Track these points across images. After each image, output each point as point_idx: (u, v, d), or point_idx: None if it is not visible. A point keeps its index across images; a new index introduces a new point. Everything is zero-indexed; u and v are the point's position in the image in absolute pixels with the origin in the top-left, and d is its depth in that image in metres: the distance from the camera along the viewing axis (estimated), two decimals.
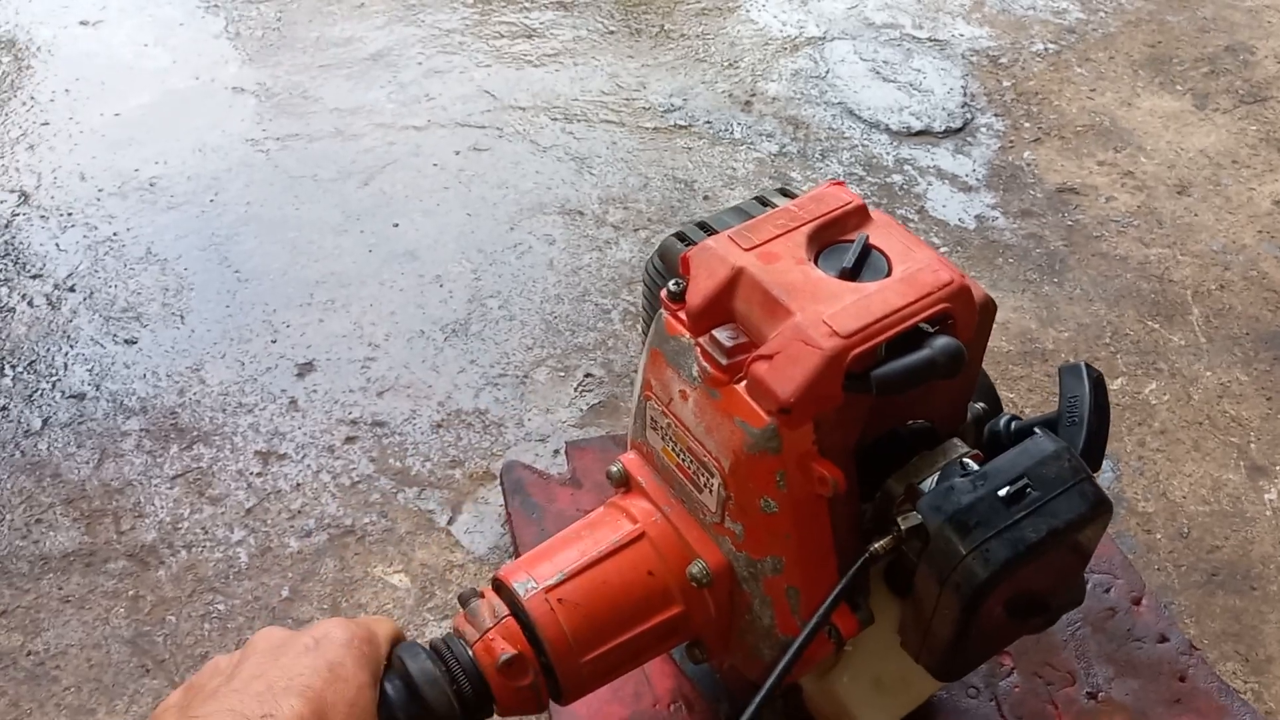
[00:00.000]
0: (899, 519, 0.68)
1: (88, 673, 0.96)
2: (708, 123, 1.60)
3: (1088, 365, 0.79)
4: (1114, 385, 1.25)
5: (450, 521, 1.10)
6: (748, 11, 1.82)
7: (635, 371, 1.24)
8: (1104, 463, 1.16)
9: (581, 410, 1.21)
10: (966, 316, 0.70)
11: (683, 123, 1.60)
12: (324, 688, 0.60)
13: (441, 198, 1.46)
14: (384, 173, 1.50)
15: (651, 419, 0.77)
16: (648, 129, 1.59)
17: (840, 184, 0.75)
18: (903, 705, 0.83)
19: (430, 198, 1.46)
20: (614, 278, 1.36)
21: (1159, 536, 1.10)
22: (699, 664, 0.84)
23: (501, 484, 1.11)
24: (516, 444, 1.17)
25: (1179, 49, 1.77)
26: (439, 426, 1.18)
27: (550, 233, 1.42)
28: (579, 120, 1.60)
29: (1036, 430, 0.72)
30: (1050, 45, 1.77)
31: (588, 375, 1.25)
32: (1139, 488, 1.15)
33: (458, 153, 1.53)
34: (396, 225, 1.42)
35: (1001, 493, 0.66)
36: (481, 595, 0.76)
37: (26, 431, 1.15)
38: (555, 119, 1.60)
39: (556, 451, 1.16)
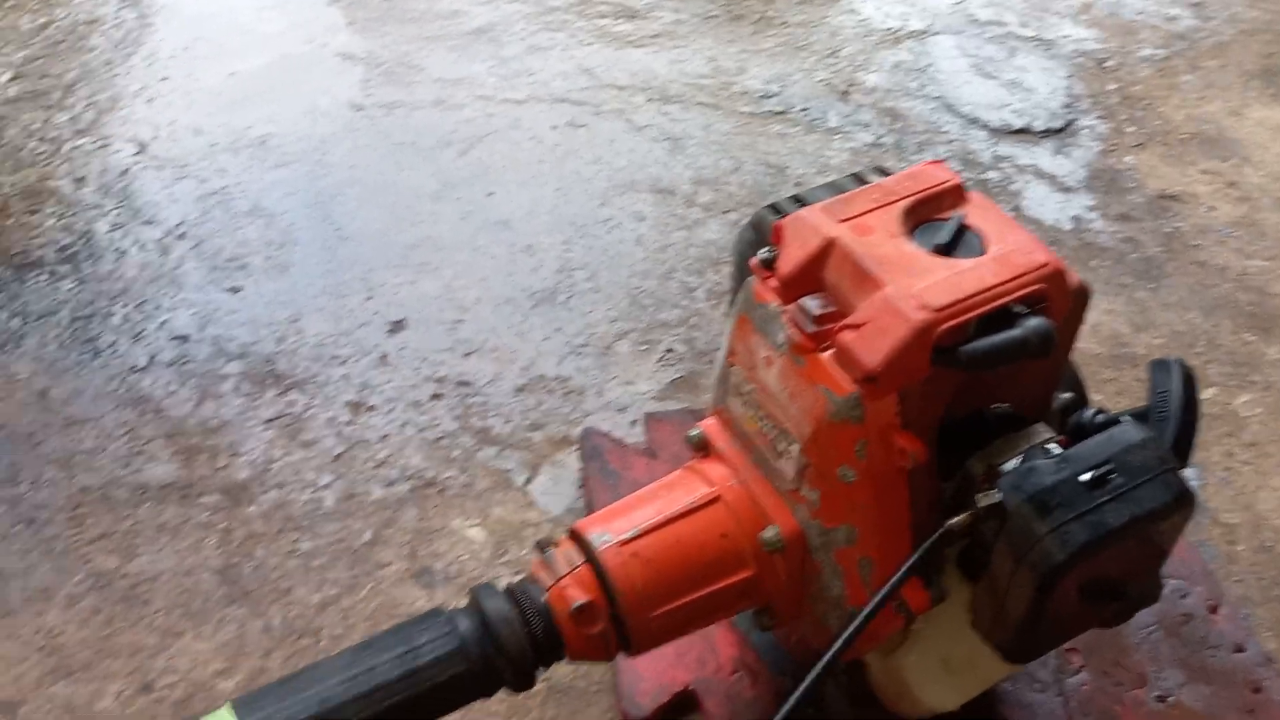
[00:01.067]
0: (978, 497, 0.68)
1: (177, 598, 1.01)
2: (804, 110, 1.60)
3: (1179, 361, 0.78)
4: (1205, 395, 1.22)
5: (528, 482, 1.12)
6: (850, 2, 1.82)
7: (717, 350, 1.25)
8: (1189, 471, 1.14)
9: (661, 384, 1.22)
10: (1060, 300, 0.70)
11: (779, 109, 1.60)
12: None
13: (536, 170, 1.49)
14: (482, 143, 1.53)
15: (734, 385, 0.78)
16: (743, 113, 1.59)
17: (939, 163, 0.76)
18: (968, 688, 0.83)
19: (525, 170, 1.49)
20: (701, 257, 1.37)
21: (1241, 548, 1.08)
22: (766, 631, 0.85)
23: (580, 449, 1.13)
24: (596, 412, 1.19)
25: None
26: (521, 390, 1.21)
27: (640, 210, 1.44)
28: (675, 101, 1.61)
29: (1124, 419, 0.71)
30: (1159, 50, 1.74)
31: (669, 350, 1.26)
32: (1224, 498, 1.12)
33: (554, 128, 1.56)
34: (491, 194, 1.45)
35: (1084, 477, 0.66)
36: (558, 544, 0.78)
37: (132, 368, 1.20)
38: (652, 99, 1.61)
39: (634, 422, 1.18)
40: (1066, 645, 0.96)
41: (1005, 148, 1.55)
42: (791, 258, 0.72)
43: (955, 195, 0.74)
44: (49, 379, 1.19)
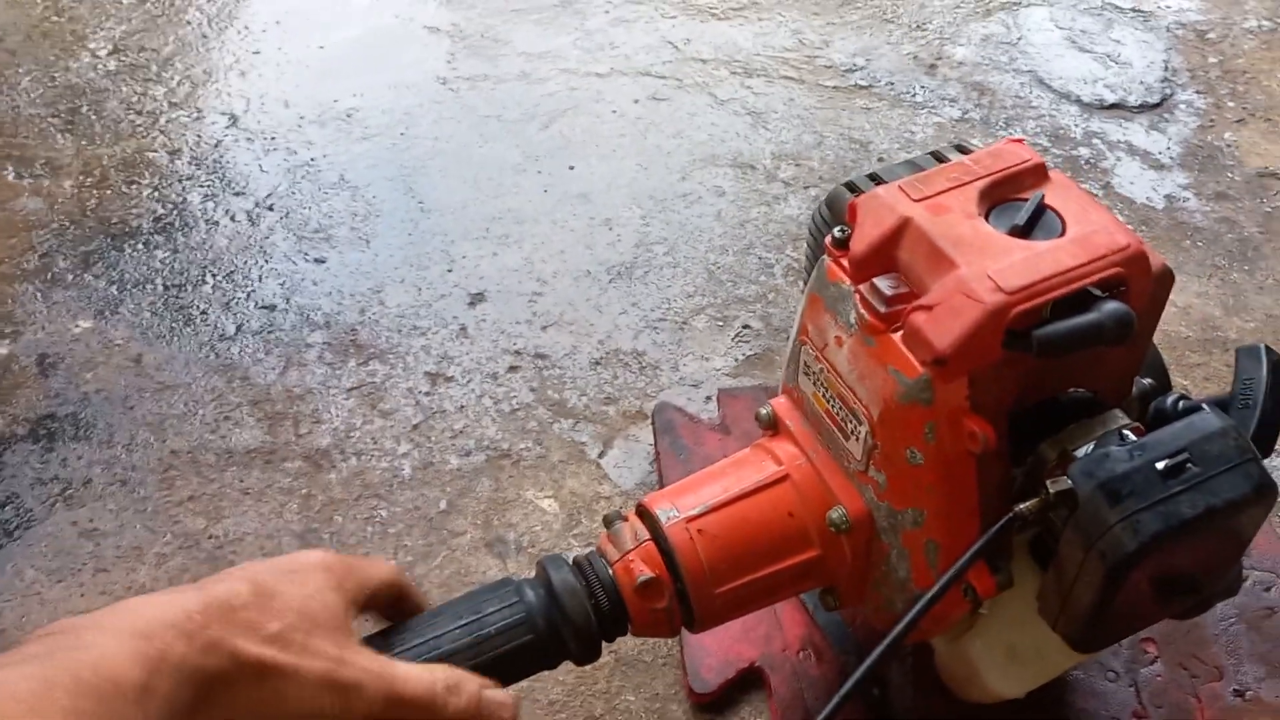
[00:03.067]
0: (1049, 483, 0.67)
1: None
2: (889, 84, 1.58)
3: (1268, 348, 0.75)
4: None
5: (601, 455, 1.13)
6: None
7: (793, 326, 1.25)
8: (1277, 460, 1.10)
9: (737, 360, 1.22)
10: (1141, 283, 0.68)
11: (864, 83, 1.58)
12: (272, 579, 0.60)
13: (618, 144, 1.49)
14: (565, 117, 1.53)
15: (805, 364, 0.78)
16: (827, 87, 1.57)
17: (1019, 141, 0.74)
18: (1035, 677, 0.82)
19: (607, 143, 1.49)
20: (780, 233, 1.36)
21: None
22: (831, 611, 0.85)
23: (653, 423, 1.14)
24: (670, 387, 1.20)
25: None
26: (597, 364, 1.22)
27: (720, 184, 1.43)
28: (759, 75, 1.60)
29: (1204, 407, 0.69)
30: (1265, 21, 1.67)
31: (746, 326, 1.26)
32: None
33: (637, 101, 1.56)
34: (572, 168, 1.46)
35: (1159, 465, 0.65)
36: (625, 519, 0.79)
37: (221, 336, 1.24)
38: (735, 73, 1.60)
39: (708, 398, 1.18)
40: (1141, 635, 0.95)
41: (1097, 123, 1.51)
42: (865, 237, 0.71)
43: (1036, 174, 0.73)
44: (144, 345, 1.23)
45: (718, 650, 0.95)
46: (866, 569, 0.79)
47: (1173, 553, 0.65)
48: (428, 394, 1.19)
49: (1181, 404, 0.77)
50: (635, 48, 1.65)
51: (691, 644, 0.95)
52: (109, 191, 1.41)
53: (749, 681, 0.95)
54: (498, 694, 0.67)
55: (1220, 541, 0.69)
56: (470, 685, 0.65)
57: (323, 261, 1.33)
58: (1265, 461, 0.68)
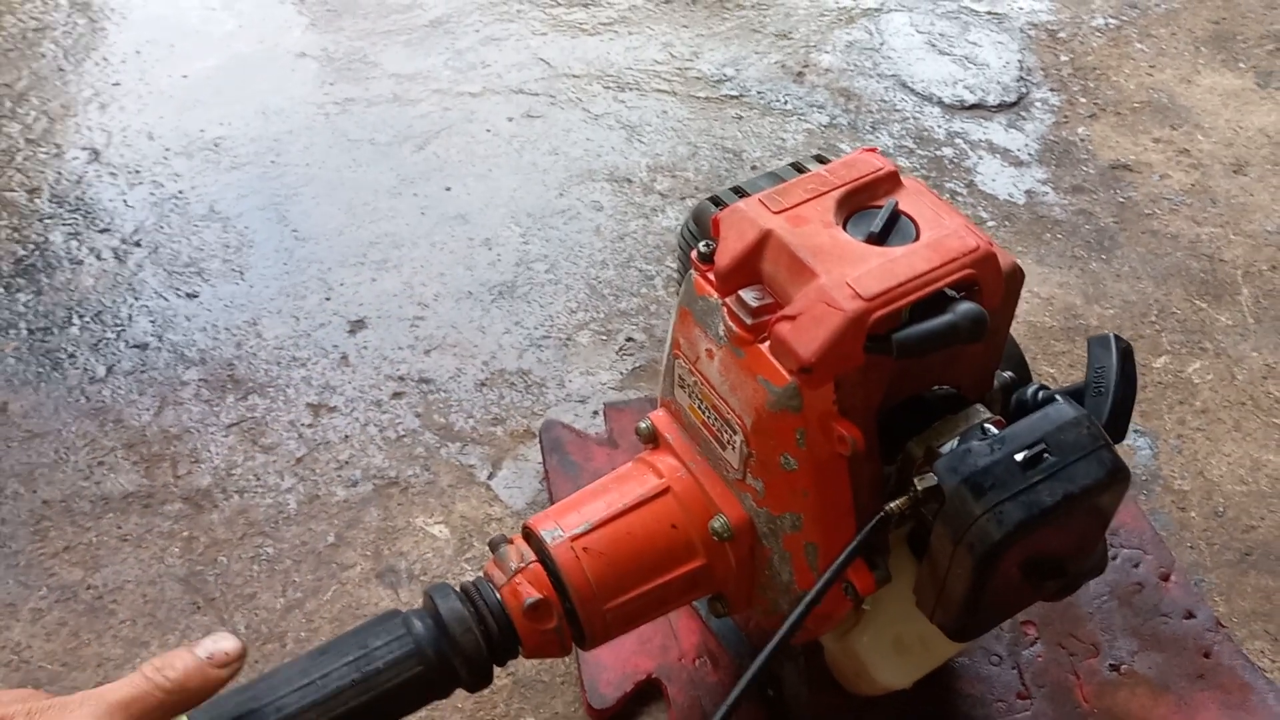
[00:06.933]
0: (915, 480, 0.70)
1: (142, 607, 1.01)
2: (759, 93, 1.60)
3: (1117, 336, 0.79)
4: (1157, 363, 1.24)
5: (490, 476, 1.13)
6: None
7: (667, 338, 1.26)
8: (1142, 440, 1.16)
9: (622, 373, 1.23)
10: (992, 283, 0.71)
11: (734, 93, 1.61)
12: None
13: (493, 163, 1.49)
14: (439, 138, 1.53)
15: (679, 377, 0.79)
16: (699, 98, 1.60)
17: (873, 150, 0.76)
18: (922, 666, 0.85)
19: (482, 163, 1.49)
20: (659, 245, 1.38)
21: (1193, 514, 1.10)
22: (721, 618, 0.86)
23: (540, 442, 1.14)
24: (557, 404, 1.20)
25: (1244, 26, 1.73)
26: (483, 385, 1.22)
27: (598, 199, 1.44)
28: (631, 89, 1.61)
29: (1059, 397, 0.72)
30: (1111, 20, 1.75)
31: (629, 339, 1.27)
32: (1176, 466, 1.14)
33: (511, 119, 1.56)
34: (449, 189, 1.45)
35: (1018, 457, 0.67)
36: (511, 542, 0.79)
37: (92, 379, 1.20)
38: (608, 87, 1.61)
39: (595, 412, 1.19)
40: (1022, 618, 0.98)
41: (959, 124, 1.56)
42: (729, 250, 0.73)
43: (889, 182, 0.75)
44: (8, 393, 1.18)
45: (615, 664, 0.95)
46: (751, 574, 0.80)
47: (1038, 539, 0.68)
48: (310, 426, 1.17)
49: (1040, 395, 0.80)
50: (507, 65, 1.65)
51: (589, 660, 0.96)
52: None
53: (648, 693, 0.95)
54: None
55: (1082, 524, 0.72)
56: None
57: (195, 296, 1.30)
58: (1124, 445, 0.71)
